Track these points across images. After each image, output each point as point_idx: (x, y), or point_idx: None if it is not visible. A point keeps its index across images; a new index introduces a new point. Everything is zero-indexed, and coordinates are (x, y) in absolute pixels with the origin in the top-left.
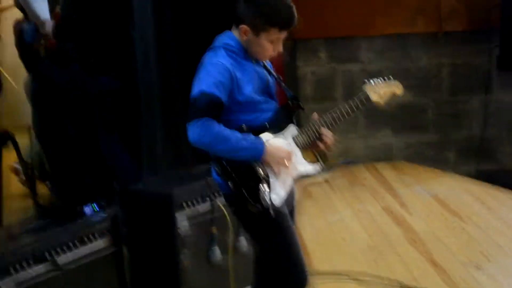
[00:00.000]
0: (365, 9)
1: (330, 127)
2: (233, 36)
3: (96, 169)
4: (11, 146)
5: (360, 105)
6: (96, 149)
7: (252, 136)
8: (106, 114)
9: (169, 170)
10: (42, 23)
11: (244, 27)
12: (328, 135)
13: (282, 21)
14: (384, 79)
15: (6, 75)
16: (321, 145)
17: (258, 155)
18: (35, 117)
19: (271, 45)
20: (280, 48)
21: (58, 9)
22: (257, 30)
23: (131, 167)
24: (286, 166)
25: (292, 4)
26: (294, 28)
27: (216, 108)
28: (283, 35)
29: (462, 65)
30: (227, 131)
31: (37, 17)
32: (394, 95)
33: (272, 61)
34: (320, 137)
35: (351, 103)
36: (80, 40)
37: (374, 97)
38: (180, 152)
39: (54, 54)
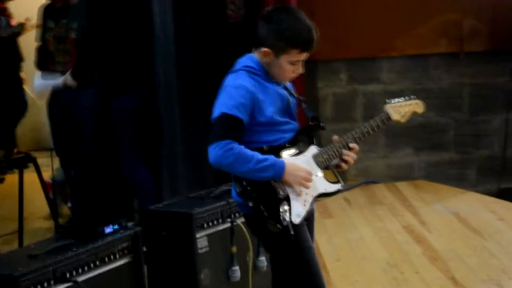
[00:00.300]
0: (386, 30)
1: (351, 148)
2: (254, 58)
3: (116, 189)
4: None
5: (381, 125)
6: (117, 169)
7: (272, 157)
8: (129, 133)
9: (190, 190)
10: (62, 83)
11: (265, 50)
12: (350, 154)
13: (303, 43)
14: (406, 98)
15: (32, 95)
16: (342, 165)
17: (279, 175)
18: (56, 139)
19: (291, 66)
20: (301, 69)
21: (73, 35)
22: (277, 52)
23: (153, 187)
24: (306, 186)
25: (312, 25)
26: (315, 50)
27: (237, 130)
28: (304, 56)
29: (483, 85)
30: (248, 153)
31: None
32: (415, 113)
33: (293, 82)
34: (341, 157)
35: (372, 123)
36: (101, 63)
37: (395, 117)
38: (201, 172)
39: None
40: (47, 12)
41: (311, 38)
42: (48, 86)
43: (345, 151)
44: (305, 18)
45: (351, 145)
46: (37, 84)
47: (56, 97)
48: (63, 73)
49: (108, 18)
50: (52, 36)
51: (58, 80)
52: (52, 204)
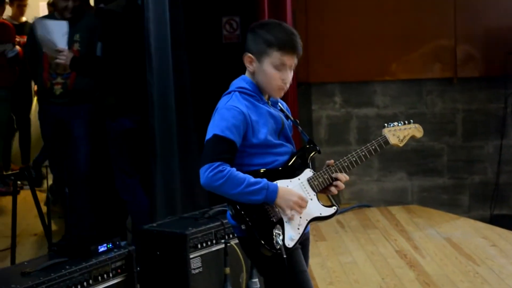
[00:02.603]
0: (381, 54)
1: (347, 171)
2: (247, 79)
3: (110, 209)
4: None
5: (378, 149)
6: (110, 189)
7: (264, 180)
8: (124, 155)
9: (185, 211)
10: (59, 51)
11: (248, 56)
12: (341, 179)
13: (281, 42)
14: (404, 123)
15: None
16: (333, 189)
17: (271, 199)
18: (50, 156)
19: (277, 73)
20: (289, 78)
21: (77, 46)
22: (259, 56)
23: (148, 209)
24: (298, 211)
25: (295, 32)
26: (298, 56)
27: (229, 152)
28: (287, 60)
29: (477, 111)
30: (239, 175)
31: (54, 45)
32: (414, 138)
33: (286, 104)
34: (333, 182)
35: (370, 147)
36: (102, 80)
37: (393, 141)
38: (195, 193)
39: (69, 94)
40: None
41: (290, 39)
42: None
43: (338, 175)
44: (287, 25)
45: (335, 175)
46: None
47: (49, 113)
48: (63, 91)
49: (112, 41)
50: None
51: (65, 45)
52: (46, 221)
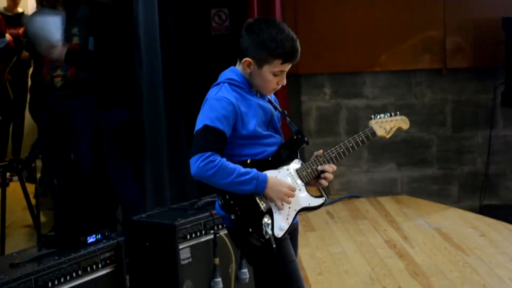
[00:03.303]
0: (370, 45)
1: (335, 162)
2: (237, 70)
3: (100, 200)
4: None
5: (365, 140)
6: (101, 180)
7: (254, 170)
8: (119, 146)
9: (174, 201)
10: (53, 46)
11: (247, 59)
12: (328, 170)
13: (285, 54)
14: (391, 114)
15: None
16: (323, 182)
17: (261, 189)
18: (44, 147)
19: (274, 78)
20: (284, 81)
21: (76, 40)
22: (260, 63)
23: (139, 199)
24: (288, 201)
25: (295, 37)
26: (297, 62)
27: (219, 142)
28: (286, 68)
29: (466, 102)
30: (229, 165)
31: (48, 39)
32: (400, 130)
33: (276, 95)
34: (320, 174)
35: (357, 138)
36: (96, 73)
37: (380, 132)
38: (185, 184)
39: (70, 86)
40: None
41: (294, 49)
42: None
43: (325, 167)
44: (287, 30)
45: (322, 167)
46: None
47: (49, 106)
48: (64, 83)
49: (104, 33)
50: None
51: (59, 39)
52: (35, 213)
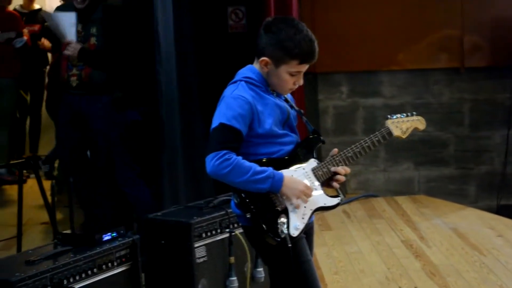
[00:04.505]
0: (388, 44)
1: (351, 161)
2: (254, 69)
3: (115, 198)
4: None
5: (382, 140)
6: (109, 180)
7: (270, 169)
8: (129, 147)
9: (189, 199)
10: (67, 43)
11: (264, 59)
12: (340, 172)
13: (302, 54)
14: (407, 114)
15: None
16: (335, 185)
17: (276, 187)
18: (62, 145)
19: (291, 78)
20: (301, 81)
21: (93, 40)
22: (277, 62)
23: (150, 200)
24: (304, 200)
25: (314, 38)
26: (315, 62)
27: (235, 141)
28: (303, 68)
29: (484, 101)
30: (245, 164)
31: (62, 36)
32: (417, 130)
33: (293, 94)
34: (333, 176)
35: (373, 138)
36: (110, 74)
37: (396, 132)
38: (200, 182)
39: (85, 86)
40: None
41: (311, 50)
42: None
43: (337, 169)
44: (306, 30)
45: (334, 169)
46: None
47: (67, 103)
48: (79, 83)
49: (118, 34)
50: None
51: (72, 37)
52: (51, 210)
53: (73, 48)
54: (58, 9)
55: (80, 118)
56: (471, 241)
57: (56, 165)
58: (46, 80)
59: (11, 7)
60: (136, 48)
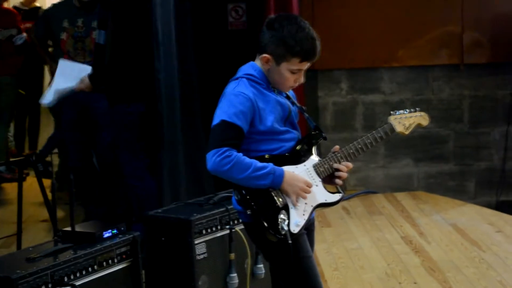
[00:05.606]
0: (387, 40)
1: (353, 158)
2: (256, 66)
3: (116, 195)
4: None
5: (384, 136)
6: (117, 175)
7: (271, 165)
8: (136, 140)
9: (190, 196)
10: (79, 89)
11: (265, 56)
12: (342, 169)
13: (303, 52)
14: (410, 110)
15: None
16: (337, 181)
17: (277, 184)
18: (63, 139)
19: (292, 75)
20: (302, 79)
21: (94, 34)
22: (278, 59)
23: (156, 193)
24: (304, 196)
25: (316, 36)
26: (316, 60)
27: (236, 137)
28: (305, 66)
29: (483, 97)
30: (245, 160)
31: (71, 90)
32: (420, 126)
33: (293, 90)
34: (335, 173)
35: (375, 134)
36: (113, 68)
37: (399, 128)
38: (200, 179)
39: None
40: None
41: (313, 48)
42: (65, 91)
43: (339, 165)
44: (308, 28)
45: (337, 166)
46: (50, 95)
47: (70, 98)
48: None
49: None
50: (67, 36)
51: (74, 84)
52: (51, 207)
53: (83, 84)
54: (56, 5)
55: (86, 115)
56: (470, 237)
57: (55, 162)
58: (50, 78)
59: (11, 4)
60: (140, 41)
